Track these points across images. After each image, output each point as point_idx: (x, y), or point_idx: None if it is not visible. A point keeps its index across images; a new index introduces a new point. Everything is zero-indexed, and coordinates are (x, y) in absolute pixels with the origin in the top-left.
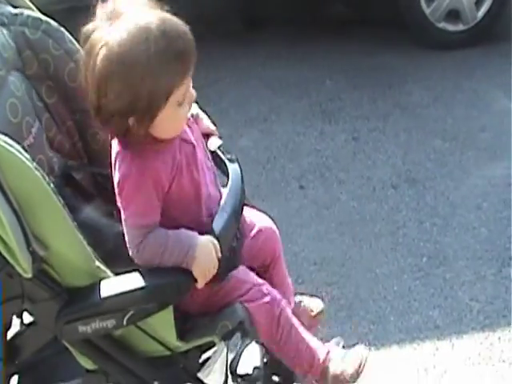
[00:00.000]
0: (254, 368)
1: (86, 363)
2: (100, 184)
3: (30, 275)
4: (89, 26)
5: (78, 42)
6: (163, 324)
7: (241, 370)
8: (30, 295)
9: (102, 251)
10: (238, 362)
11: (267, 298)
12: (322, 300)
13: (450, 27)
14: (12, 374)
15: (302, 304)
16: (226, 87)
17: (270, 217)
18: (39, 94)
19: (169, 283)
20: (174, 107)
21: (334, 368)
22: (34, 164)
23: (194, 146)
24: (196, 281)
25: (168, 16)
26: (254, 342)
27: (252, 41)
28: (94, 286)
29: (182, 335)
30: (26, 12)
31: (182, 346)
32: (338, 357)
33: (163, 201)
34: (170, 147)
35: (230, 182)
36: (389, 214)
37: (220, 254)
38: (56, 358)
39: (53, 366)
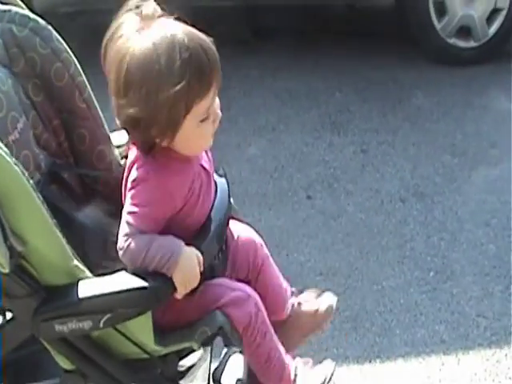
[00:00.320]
0: (237, 380)
1: (64, 363)
2: (87, 185)
3: (7, 270)
4: (115, 33)
5: (66, 43)
6: (141, 328)
7: (224, 381)
8: (7, 291)
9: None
10: (221, 372)
11: (244, 297)
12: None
13: (461, 43)
14: None
15: (305, 306)
16: (235, 96)
17: (276, 226)
18: (26, 92)
19: (148, 288)
20: (195, 123)
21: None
22: (13, 159)
23: (209, 175)
24: (175, 289)
25: (193, 30)
26: (238, 353)
27: (262, 51)
28: (72, 286)
29: (160, 339)
30: (15, 9)
31: (160, 351)
32: (304, 373)
33: (169, 219)
34: (190, 169)
35: (217, 197)
36: (396, 228)
37: (202, 268)
38: (39, 355)
39: (35, 363)
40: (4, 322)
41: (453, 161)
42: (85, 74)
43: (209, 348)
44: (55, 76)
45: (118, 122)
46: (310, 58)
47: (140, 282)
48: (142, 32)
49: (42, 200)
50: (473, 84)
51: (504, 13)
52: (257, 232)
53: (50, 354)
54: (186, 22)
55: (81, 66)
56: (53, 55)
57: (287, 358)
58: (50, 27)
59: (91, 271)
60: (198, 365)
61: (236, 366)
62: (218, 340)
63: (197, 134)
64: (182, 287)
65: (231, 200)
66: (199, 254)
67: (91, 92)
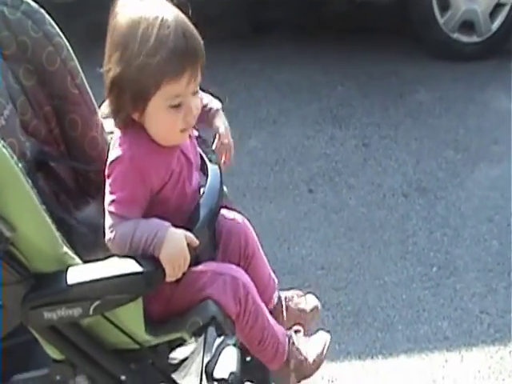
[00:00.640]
0: (231, 373)
1: (53, 353)
2: (78, 173)
3: None
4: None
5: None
6: (132, 316)
7: (217, 374)
8: None
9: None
10: (214, 365)
11: (234, 283)
12: (325, 306)
13: (464, 38)
14: None
15: (292, 301)
16: (235, 88)
17: (277, 219)
18: (16, 76)
19: (138, 273)
20: (164, 105)
21: (297, 354)
22: (2, 142)
23: (191, 163)
24: (164, 274)
25: (184, 18)
26: (231, 346)
27: (263, 45)
28: (61, 273)
29: (151, 329)
30: None
31: (151, 340)
32: (300, 343)
33: (150, 201)
34: (167, 151)
35: (207, 183)
36: (399, 222)
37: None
38: (30, 345)
39: (26, 353)
40: None
41: (456, 156)
42: (82, 68)
43: (201, 341)
44: (47, 60)
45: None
46: (311, 52)
47: (130, 268)
48: (137, 3)
49: (31, 185)
50: (475, 79)
51: (507, 8)
52: (256, 225)
53: (40, 344)
54: (185, 14)
55: (78, 60)
56: (45, 39)
57: (280, 331)
58: (42, 10)
59: (80, 258)
60: (190, 358)
61: (229, 359)
62: (211, 332)
63: (165, 119)
64: (170, 267)
65: (224, 188)
66: (189, 234)
67: (84, 77)
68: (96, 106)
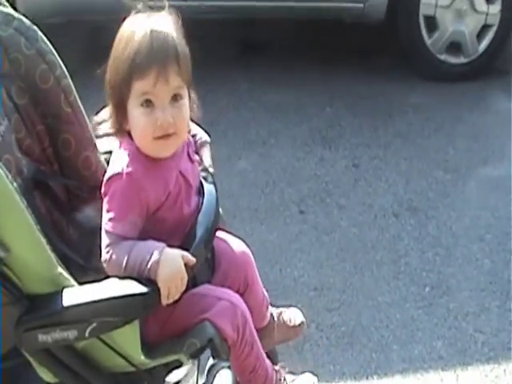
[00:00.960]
0: None
1: (47, 376)
2: (72, 192)
3: None
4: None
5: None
6: (128, 338)
7: None
8: None
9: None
10: None
11: (233, 309)
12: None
13: (452, 59)
14: None
15: (281, 317)
16: (224, 109)
17: (268, 240)
18: (9, 94)
19: (134, 295)
20: (136, 104)
21: None
22: None
23: (191, 186)
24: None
25: (169, 26)
26: (226, 368)
27: (252, 65)
28: (57, 294)
29: (147, 351)
30: None
31: (148, 363)
32: (287, 378)
33: (146, 221)
34: (164, 170)
35: (204, 202)
36: (390, 243)
37: (192, 269)
38: (22, 368)
39: (17, 376)
40: None
41: (445, 176)
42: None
43: (195, 363)
44: (40, 78)
45: None
46: (299, 73)
47: (127, 289)
48: (139, 18)
49: (26, 205)
50: (463, 99)
51: (494, 29)
52: (248, 246)
53: (32, 367)
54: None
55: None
56: (38, 56)
57: (268, 364)
58: (35, 27)
59: (75, 280)
60: (184, 380)
61: (223, 381)
62: (205, 355)
63: (138, 121)
64: (167, 289)
65: (219, 209)
66: (186, 254)
67: (77, 96)
68: (89, 125)
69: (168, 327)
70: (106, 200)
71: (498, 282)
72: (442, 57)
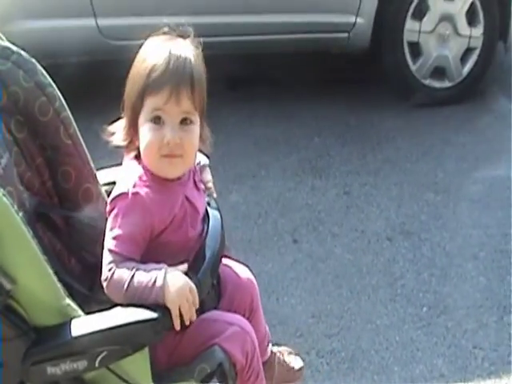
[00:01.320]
0: None
1: None
2: (71, 226)
3: None
4: None
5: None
6: (138, 367)
7: None
8: None
9: None
10: None
11: (243, 335)
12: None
13: (436, 84)
14: None
15: (282, 356)
16: (213, 144)
17: (263, 271)
18: (8, 128)
19: (144, 321)
20: (147, 119)
21: None
22: (2, 191)
23: (197, 212)
24: (171, 319)
25: (190, 49)
26: None
27: (238, 99)
28: (65, 325)
29: (157, 379)
30: None
31: None
32: None
33: (150, 243)
34: (171, 193)
35: (209, 227)
36: (385, 266)
37: (198, 296)
38: None
39: None
40: None
41: (436, 198)
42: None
43: None
44: (39, 111)
45: None
46: (285, 104)
47: (136, 316)
48: (158, 39)
49: (32, 235)
50: (450, 122)
51: (477, 52)
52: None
53: None
54: None
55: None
56: (37, 89)
57: None
58: (33, 60)
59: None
60: None
61: None
62: None
63: (146, 135)
64: (176, 308)
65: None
66: (189, 281)
67: (76, 128)
68: (89, 157)
69: (177, 354)
70: (110, 218)
71: (494, 298)
72: (427, 82)
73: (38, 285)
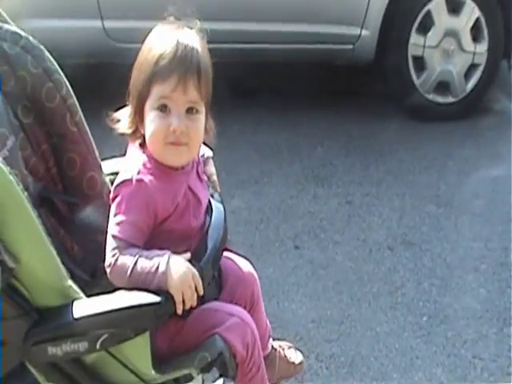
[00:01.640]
0: None
1: None
2: (75, 213)
3: None
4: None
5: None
6: (139, 352)
7: None
8: None
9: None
10: None
11: (243, 327)
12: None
13: (440, 99)
14: None
15: (283, 351)
16: (216, 152)
17: (264, 275)
18: (15, 112)
19: (147, 304)
20: (153, 106)
21: None
22: (9, 169)
23: (200, 202)
24: (174, 304)
25: (196, 38)
26: None
27: (241, 108)
28: (67, 306)
29: (158, 366)
30: (6, 26)
31: (158, 378)
32: None
33: (153, 230)
34: (174, 182)
35: (212, 219)
36: (386, 275)
37: (200, 282)
38: None
39: None
40: None
41: (438, 210)
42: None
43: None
44: (46, 97)
45: None
46: (289, 114)
47: (139, 299)
48: (165, 28)
49: (36, 214)
50: (453, 137)
51: (481, 68)
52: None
53: None
54: None
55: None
56: (44, 75)
57: None
58: (41, 47)
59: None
60: None
61: None
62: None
63: (151, 123)
64: (180, 294)
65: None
66: (191, 268)
67: (82, 116)
68: (94, 146)
69: (177, 343)
70: (114, 205)
71: (495, 310)
72: (431, 96)
73: (41, 265)
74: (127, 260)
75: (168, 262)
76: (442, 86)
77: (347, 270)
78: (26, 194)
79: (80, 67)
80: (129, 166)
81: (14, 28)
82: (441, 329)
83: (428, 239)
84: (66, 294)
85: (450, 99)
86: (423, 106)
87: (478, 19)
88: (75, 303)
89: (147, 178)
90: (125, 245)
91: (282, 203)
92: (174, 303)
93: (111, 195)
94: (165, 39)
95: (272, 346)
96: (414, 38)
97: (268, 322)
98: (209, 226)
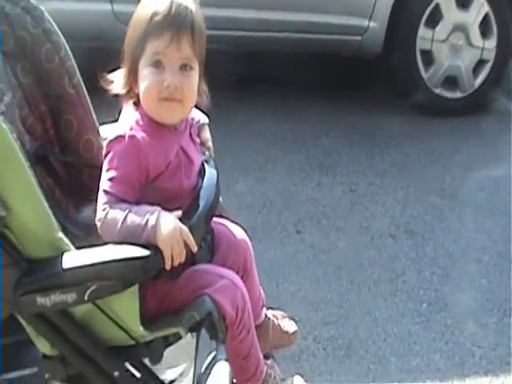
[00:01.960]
0: None
1: (44, 346)
2: (72, 174)
3: None
4: None
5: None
6: (127, 308)
7: None
8: None
9: None
10: (206, 381)
11: (233, 289)
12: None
13: (448, 94)
14: None
15: (277, 321)
16: (220, 139)
17: (265, 258)
18: (14, 72)
19: (135, 258)
20: (147, 63)
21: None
22: (3, 118)
23: (192, 162)
24: (163, 259)
25: (188, 3)
26: (223, 361)
27: (247, 96)
28: (56, 258)
29: (146, 324)
30: None
31: (147, 336)
32: (277, 376)
33: (145, 187)
34: (166, 140)
35: (205, 180)
36: (388, 262)
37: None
38: (22, 345)
39: (17, 353)
40: None
41: (442, 202)
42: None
43: (192, 363)
44: (45, 57)
45: None
46: (295, 103)
47: (128, 252)
48: None
49: (28, 164)
50: (460, 132)
51: (490, 64)
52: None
53: (32, 345)
54: None
55: None
56: (43, 35)
57: (261, 357)
58: (41, 7)
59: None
60: (179, 380)
61: (221, 374)
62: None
63: (145, 79)
64: (168, 249)
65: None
66: (181, 224)
67: (80, 79)
68: (92, 109)
69: (167, 303)
70: (106, 160)
71: (496, 300)
72: (438, 91)
73: (32, 214)
74: (117, 214)
75: (158, 217)
76: (450, 81)
77: (348, 255)
78: (18, 142)
79: (89, 50)
80: (121, 122)
81: None
82: (440, 316)
83: (431, 229)
84: (57, 245)
85: (458, 94)
86: (430, 101)
87: (487, 15)
88: (65, 255)
89: (139, 135)
90: (116, 200)
91: (285, 189)
92: (163, 258)
93: (104, 151)
94: (167, 8)
95: (266, 315)
96: (422, 32)
97: (262, 291)
98: (201, 187)
